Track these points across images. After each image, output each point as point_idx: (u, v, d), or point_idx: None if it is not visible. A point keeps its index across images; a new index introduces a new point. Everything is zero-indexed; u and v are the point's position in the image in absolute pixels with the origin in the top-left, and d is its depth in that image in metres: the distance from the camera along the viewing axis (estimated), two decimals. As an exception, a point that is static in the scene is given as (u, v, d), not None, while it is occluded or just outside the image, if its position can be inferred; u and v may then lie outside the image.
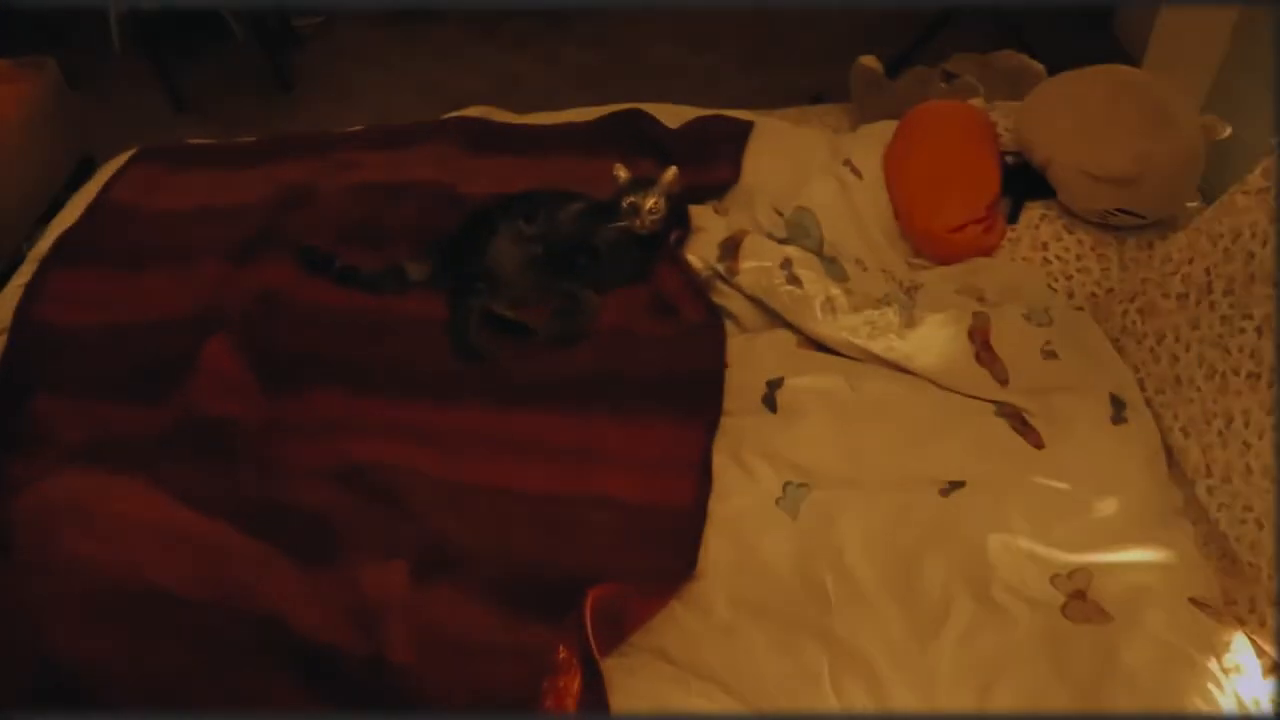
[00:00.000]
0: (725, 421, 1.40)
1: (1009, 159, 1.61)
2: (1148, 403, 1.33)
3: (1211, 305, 1.25)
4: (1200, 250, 1.30)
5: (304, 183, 1.90)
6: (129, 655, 1.15)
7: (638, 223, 1.61)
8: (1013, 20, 2.61)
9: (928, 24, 2.61)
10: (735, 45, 3.24)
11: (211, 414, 1.43)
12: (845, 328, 1.43)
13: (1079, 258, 1.51)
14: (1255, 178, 1.25)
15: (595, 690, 1.07)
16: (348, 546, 1.25)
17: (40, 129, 2.43)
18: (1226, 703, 1.02)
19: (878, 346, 1.41)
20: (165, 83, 3.14)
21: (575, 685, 1.06)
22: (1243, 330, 1.19)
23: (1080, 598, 1.14)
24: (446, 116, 2.12)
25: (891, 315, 1.43)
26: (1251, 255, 1.21)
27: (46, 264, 1.79)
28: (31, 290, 1.73)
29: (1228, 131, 1.45)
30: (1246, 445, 1.16)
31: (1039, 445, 1.30)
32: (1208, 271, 1.27)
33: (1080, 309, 1.48)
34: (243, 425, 1.43)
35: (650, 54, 3.23)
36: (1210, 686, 1.03)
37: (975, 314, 1.41)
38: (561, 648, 1.07)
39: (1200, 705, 1.02)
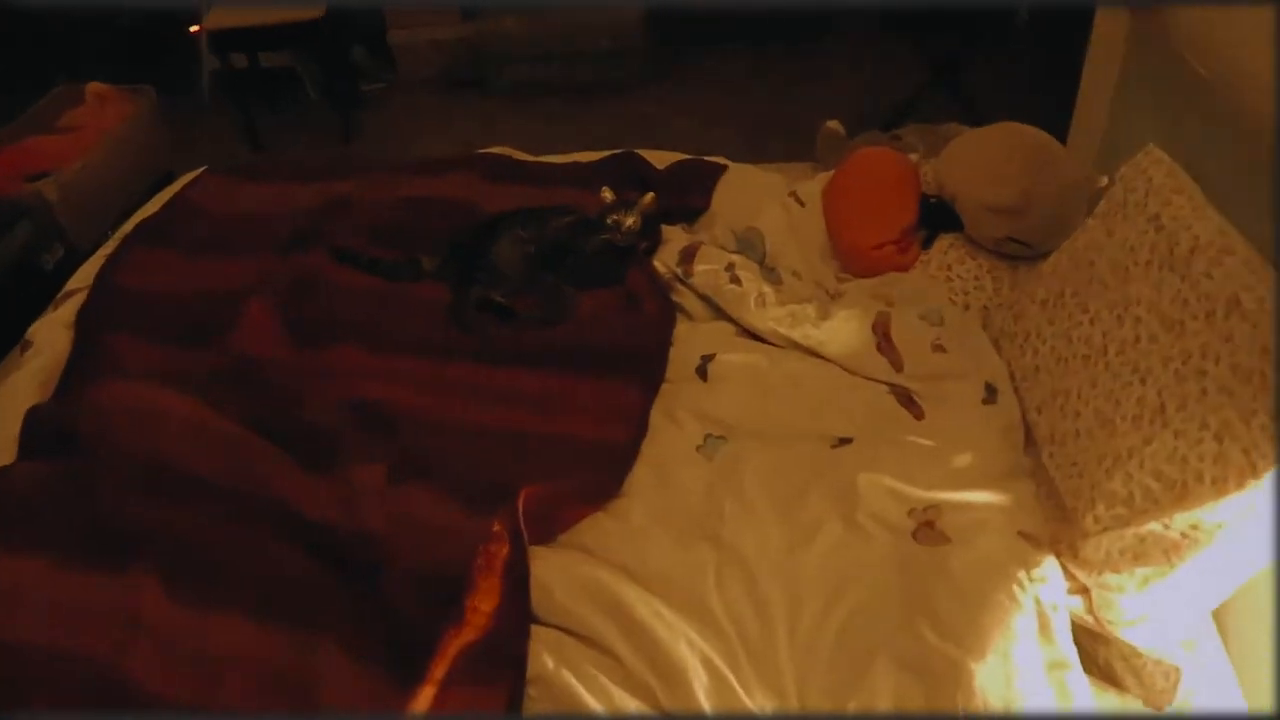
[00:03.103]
0: (665, 387, 1.67)
1: (931, 199, 1.91)
2: (1015, 389, 1.58)
3: (1062, 305, 1.51)
4: (1059, 266, 1.57)
5: (349, 195, 2.27)
6: (169, 522, 1.42)
7: (618, 236, 1.93)
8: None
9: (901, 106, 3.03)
10: (743, 121, 3.62)
11: (249, 353, 1.75)
12: (771, 318, 1.70)
13: (977, 278, 1.78)
14: (1101, 207, 1.53)
15: (519, 558, 1.33)
16: (345, 457, 1.54)
17: (134, 143, 2.89)
18: (1027, 602, 1.25)
19: (796, 334, 1.68)
20: (244, 127, 3.60)
21: (504, 552, 1.32)
22: (1080, 323, 1.45)
23: (929, 526, 1.37)
24: (474, 153, 2.49)
25: (810, 309, 1.71)
26: (1091, 263, 1.48)
27: (127, 241, 2.15)
28: (112, 260, 2.09)
29: (1104, 182, 1.74)
30: (1077, 413, 1.40)
31: (919, 417, 1.56)
32: (1062, 279, 1.54)
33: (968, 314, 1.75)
34: (274, 365, 1.73)
35: (665, 127, 3.62)
36: (1015, 589, 1.25)
37: (879, 312, 1.69)
38: (496, 523, 1.34)
39: (1005, 603, 1.24)
